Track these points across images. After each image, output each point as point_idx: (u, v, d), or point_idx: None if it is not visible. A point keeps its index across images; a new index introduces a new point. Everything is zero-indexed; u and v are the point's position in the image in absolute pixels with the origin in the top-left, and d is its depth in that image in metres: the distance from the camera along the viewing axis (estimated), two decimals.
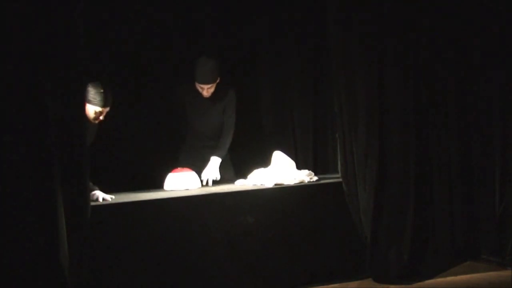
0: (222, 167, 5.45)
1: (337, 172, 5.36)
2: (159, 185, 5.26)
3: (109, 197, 4.69)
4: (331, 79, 5.36)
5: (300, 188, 5.10)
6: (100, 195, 4.66)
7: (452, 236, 5.21)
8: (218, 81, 5.40)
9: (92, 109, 4.81)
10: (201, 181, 5.31)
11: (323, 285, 4.92)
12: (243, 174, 5.33)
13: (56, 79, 4.09)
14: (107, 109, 4.87)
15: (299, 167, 5.42)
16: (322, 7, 5.38)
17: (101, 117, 4.87)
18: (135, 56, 5.77)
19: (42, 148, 3.98)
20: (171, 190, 5.10)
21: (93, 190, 4.69)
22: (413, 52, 5.12)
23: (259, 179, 5.14)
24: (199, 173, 5.32)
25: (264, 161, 5.44)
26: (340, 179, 5.17)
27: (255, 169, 5.27)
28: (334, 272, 5.00)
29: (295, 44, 5.95)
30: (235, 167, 5.72)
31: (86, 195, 4.27)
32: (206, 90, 5.38)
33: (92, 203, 4.42)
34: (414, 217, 5.06)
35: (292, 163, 5.33)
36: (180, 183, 5.14)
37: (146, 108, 5.75)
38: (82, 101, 4.49)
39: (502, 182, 5.22)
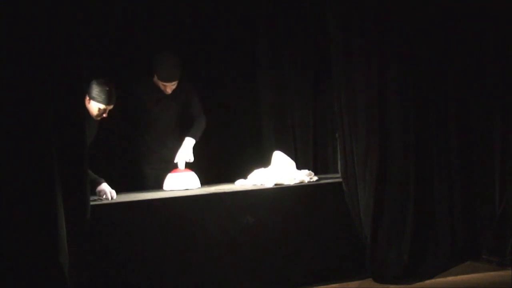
0: None
1: (337, 172, 5.36)
2: (159, 185, 5.28)
3: (114, 194, 4.69)
4: (331, 79, 5.37)
5: (300, 188, 5.10)
6: (107, 190, 4.66)
7: (452, 236, 5.20)
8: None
9: (96, 106, 4.81)
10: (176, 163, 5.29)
11: (323, 285, 4.92)
12: (243, 174, 5.33)
13: (56, 78, 4.09)
14: (111, 106, 4.87)
15: (299, 167, 5.42)
16: (322, 7, 5.39)
17: (104, 115, 4.88)
18: (135, 54, 5.77)
19: (42, 148, 3.99)
20: (171, 190, 5.10)
21: (100, 182, 4.68)
22: (413, 51, 5.12)
23: (259, 179, 5.14)
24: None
25: (264, 161, 5.44)
26: (340, 179, 5.17)
27: (255, 169, 5.27)
28: (334, 272, 5.00)
29: (295, 44, 5.95)
30: (235, 167, 5.72)
31: (86, 195, 4.27)
32: (170, 87, 5.30)
33: (92, 203, 4.42)
34: (414, 217, 5.06)
35: (292, 163, 5.33)
36: (180, 183, 5.14)
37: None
38: (83, 100, 4.51)
39: (502, 182, 5.22)
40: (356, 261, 5.05)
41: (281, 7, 5.92)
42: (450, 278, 5.01)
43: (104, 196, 4.66)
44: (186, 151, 5.33)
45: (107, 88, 4.79)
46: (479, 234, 5.28)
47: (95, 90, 4.77)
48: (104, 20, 5.59)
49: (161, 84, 5.30)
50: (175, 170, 5.23)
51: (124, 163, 5.56)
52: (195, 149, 5.51)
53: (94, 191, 4.67)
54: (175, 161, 5.30)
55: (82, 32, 4.28)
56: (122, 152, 5.59)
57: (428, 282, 4.97)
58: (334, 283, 4.95)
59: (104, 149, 5.40)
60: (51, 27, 4.07)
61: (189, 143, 5.35)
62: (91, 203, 4.38)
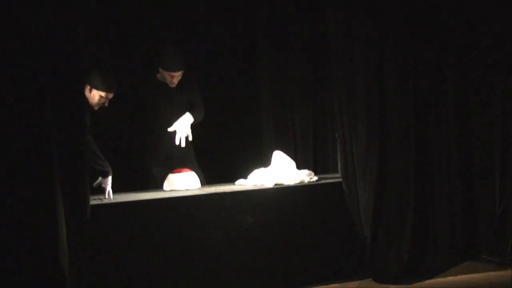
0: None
1: (337, 172, 5.35)
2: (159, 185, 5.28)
3: (111, 194, 4.72)
4: (331, 79, 5.37)
5: (300, 188, 5.10)
6: (108, 185, 4.71)
7: (452, 236, 5.20)
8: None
9: (97, 95, 4.83)
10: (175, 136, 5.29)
11: (323, 285, 4.92)
12: (243, 174, 5.33)
13: (55, 78, 4.09)
14: (111, 95, 4.89)
15: (299, 167, 5.42)
16: (322, 7, 5.38)
17: (105, 104, 4.89)
18: (136, 52, 5.78)
19: (42, 148, 3.99)
20: (171, 190, 5.10)
21: (106, 174, 4.71)
22: (413, 52, 5.12)
23: (259, 179, 5.14)
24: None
25: (264, 161, 5.44)
26: (340, 179, 5.16)
27: (255, 169, 5.27)
28: (334, 272, 5.00)
29: (295, 44, 5.94)
30: (235, 167, 5.72)
31: (86, 195, 4.28)
32: (176, 78, 5.34)
33: (92, 203, 4.42)
34: (414, 217, 5.06)
35: (292, 163, 5.33)
36: (180, 183, 5.14)
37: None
38: (83, 100, 4.51)
39: (502, 182, 5.22)
40: (356, 261, 5.05)
41: (281, 7, 5.91)
42: (450, 278, 5.01)
43: (104, 187, 4.72)
44: (181, 124, 5.31)
45: (109, 76, 4.84)
46: (479, 234, 5.28)
47: (97, 78, 4.81)
48: (107, 19, 5.62)
49: (167, 75, 5.33)
50: (175, 170, 5.23)
51: (130, 159, 5.58)
52: (196, 149, 5.52)
53: (95, 173, 4.72)
54: (169, 129, 5.28)
55: (84, 29, 4.29)
56: (128, 149, 5.61)
57: (428, 282, 4.97)
58: (334, 283, 4.95)
59: (110, 145, 5.40)
60: (49, 26, 4.06)
61: (186, 118, 5.35)
62: (91, 203, 4.38)
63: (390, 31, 5.06)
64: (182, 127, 5.31)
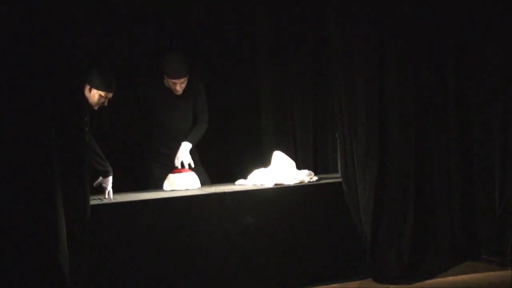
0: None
1: (337, 172, 5.36)
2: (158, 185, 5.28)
3: (111, 194, 4.71)
4: (331, 79, 5.37)
5: (300, 188, 5.10)
6: (108, 185, 4.71)
7: (452, 236, 5.20)
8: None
9: (97, 94, 4.83)
10: (176, 167, 5.28)
11: (323, 285, 4.92)
12: (243, 174, 5.33)
13: (55, 77, 4.09)
14: (111, 94, 4.89)
15: (299, 167, 5.42)
16: (322, 7, 5.39)
17: (104, 103, 4.89)
18: (138, 53, 5.79)
19: (42, 148, 3.99)
20: (171, 190, 5.10)
21: (107, 174, 4.71)
22: (413, 52, 5.12)
23: (259, 179, 5.14)
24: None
25: (264, 161, 5.44)
26: (340, 179, 5.17)
27: (255, 169, 5.27)
28: (334, 272, 5.00)
29: (295, 44, 5.94)
30: (235, 167, 5.72)
31: (86, 195, 4.28)
32: (179, 85, 5.26)
33: (92, 203, 4.42)
34: (414, 217, 5.06)
35: (292, 163, 5.33)
36: (180, 183, 5.14)
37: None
38: (83, 99, 4.51)
39: (502, 182, 5.22)
40: (356, 261, 5.05)
41: (281, 7, 5.91)
42: (450, 278, 5.01)
43: (105, 187, 4.74)
44: (182, 155, 5.31)
45: (108, 75, 4.85)
46: (479, 234, 5.28)
47: (96, 77, 4.81)
48: (108, 19, 5.62)
49: (170, 82, 5.28)
50: (175, 170, 5.24)
51: (133, 162, 5.58)
52: (198, 149, 5.53)
53: (96, 173, 4.74)
54: (176, 165, 5.30)
55: (85, 29, 4.30)
56: (132, 152, 5.61)
57: (428, 282, 4.97)
58: (334, 283, 4.95)
59: (111, 146, 5.41)
60: (50, 24, 4.06)
61: (185, 147, 5.33)
62: (91, 203, 4.38)
63: (390, 31, 5.06)
64: (183, 157, 5.30)
